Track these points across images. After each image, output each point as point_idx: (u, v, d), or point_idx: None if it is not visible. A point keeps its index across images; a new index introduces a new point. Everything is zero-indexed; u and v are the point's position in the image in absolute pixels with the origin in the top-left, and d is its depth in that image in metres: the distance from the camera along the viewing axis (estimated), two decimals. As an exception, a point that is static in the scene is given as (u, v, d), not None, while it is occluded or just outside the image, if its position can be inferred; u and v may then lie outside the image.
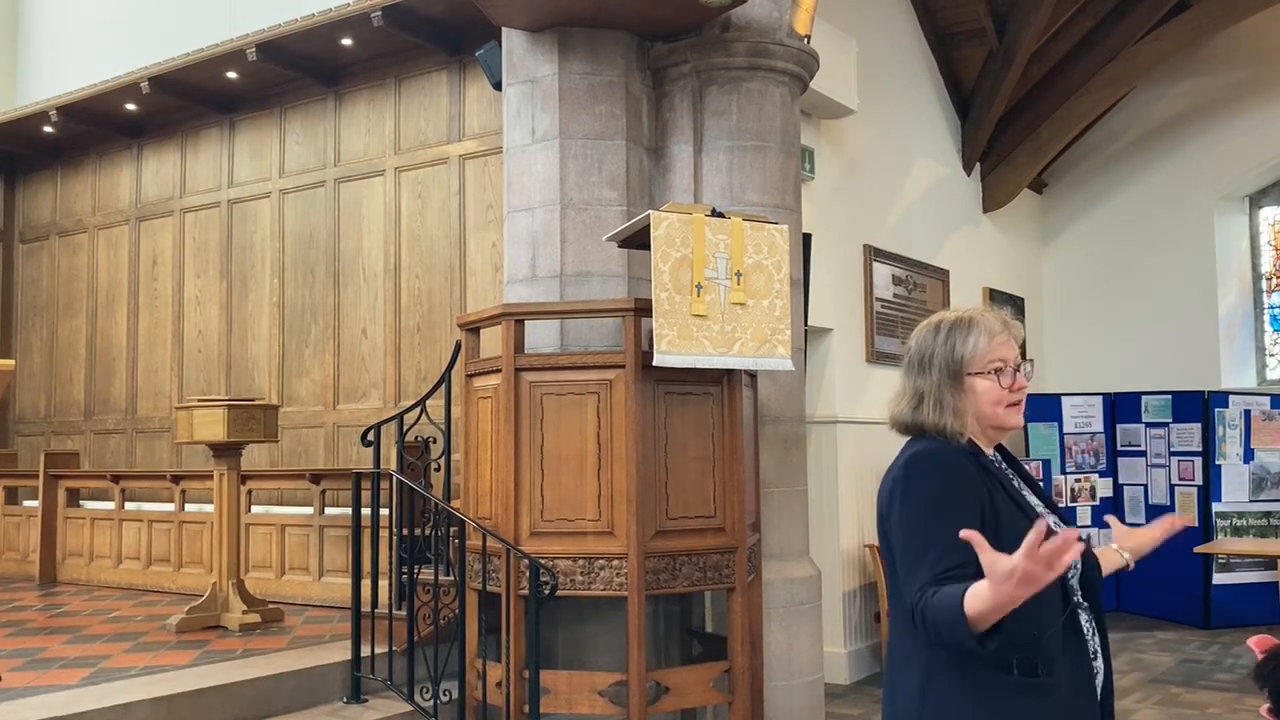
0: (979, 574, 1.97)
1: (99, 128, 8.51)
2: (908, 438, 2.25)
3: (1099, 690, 2.16)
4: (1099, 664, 2.17)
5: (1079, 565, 2.17)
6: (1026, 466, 8.52)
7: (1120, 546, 2.41)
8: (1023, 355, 2.26)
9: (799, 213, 5.43)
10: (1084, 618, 2.15)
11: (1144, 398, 9.37)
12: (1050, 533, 2.10)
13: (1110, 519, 2.53)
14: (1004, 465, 2.26)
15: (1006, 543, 2.03)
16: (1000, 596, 1.80)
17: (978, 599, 1.85)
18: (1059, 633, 2.07)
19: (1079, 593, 2.16)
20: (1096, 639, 2.17)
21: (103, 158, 9.01)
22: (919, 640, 2.07)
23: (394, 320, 7.19)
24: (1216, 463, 8.84)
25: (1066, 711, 2.08)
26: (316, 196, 7.67)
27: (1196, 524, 8.83)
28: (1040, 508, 2.20)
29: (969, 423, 2.18)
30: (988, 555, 1.80)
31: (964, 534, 1.82)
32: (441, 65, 7.07)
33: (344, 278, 7.47)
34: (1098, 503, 9.48)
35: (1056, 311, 10.93)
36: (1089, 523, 9.40)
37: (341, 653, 4.97)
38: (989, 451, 2.23)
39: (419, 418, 5.01)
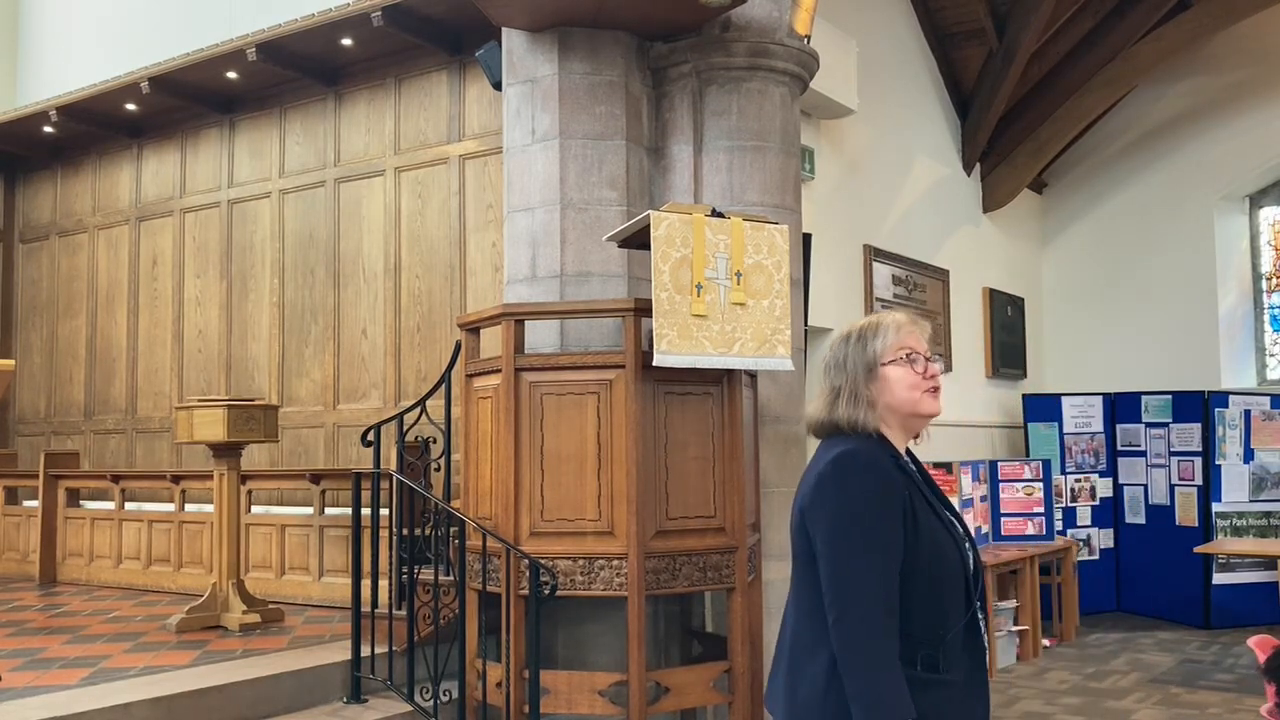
0: (907, 571, 2.10)
1: (99, 128, 8.51)
2: (822, 440, 2.32)
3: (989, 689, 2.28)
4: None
5: (977, 567, 2.26)
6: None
7: None
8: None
9: (799, 213, 5.43)
10: (980, 619, 2.24)
11: (1144, 398, 9.37)
12: (961, 552, 2.23)
13: None
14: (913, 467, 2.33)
15: (923, 543, 2.15)
16: None
17: None
18: (959, 632, 2.17)
19: (979, 595, 2.24)
20: (985, 640, 2.27)
21: (103, 158, 9.01)
22: (822, 642, 2.14)
23: (394, 320, 7.19)
24: (1216, 463, 8.84)
25: (961, 707, 2.17)
26: (316, 196, 7.67)
27: (1197, 524, 8.83)
28: (945, 511, 2.27)
29: (885, 416, 2.25)
30: None
31: None
32: (441, 65, 7.07)
33: (344, 278, 7.47)
34: (1098, 503, 9.48)
35: (1056, 311, 10.93)
36: (1089, 522, 9.42)
37: (341, 653, 4.97)
38: (902, 451, 2.30)
39: (419, 418, 5.01)
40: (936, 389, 2.28)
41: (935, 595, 2.15)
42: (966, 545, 2.25)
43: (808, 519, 2.19)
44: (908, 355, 2.25)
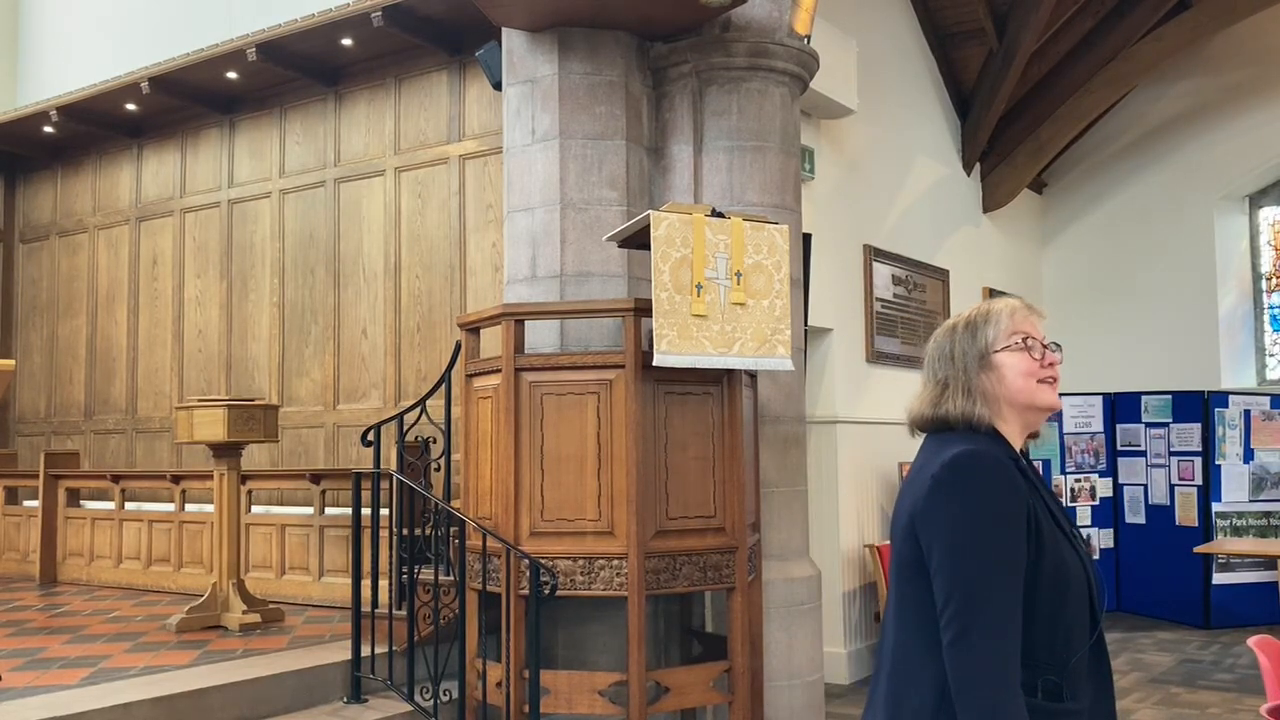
0: (1029, 588, 1.90)
1: (99, 128, 8.51)
2: (927, 437, 2.12)
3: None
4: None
5: (1100, 584, 2.05)
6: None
7: None
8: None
9: (799, 213, 5.43)
10: (1105, 642, 2.03)
11: (1144, 398, 9.37)
12: (1085, 568, 2.01)
13: None
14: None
15: (1046, 555, 1.93)
16: None
17: None
18: (1084, 656, 1.97)
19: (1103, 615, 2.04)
20: (1110, 665, 2.07)
21: (103, 158, 9.01)
22: (931, 656, 1.95)
23: (394, 320, 7.19)
24: (1216, 463, 8.84)
25: None
26: (316, 196, 7.67)
27: (1197, 524, 8.84)
28: (1064, 521, 2.06)
29: (1000, 411, 2.05)
30: None
31: None
32: (441, 65, 7.07)
33: (344, 278, 7.47)
34: (1097, 503, 9.48)
35: (1056, 311, 10.89)
36: (1089, 523, 9.42)
37: (341, 653, 4.97)
38: (1018, 451, 2.09)
39: (419, 418, 5.01)
40: (1054, 379, 2.08)
41: (1059, 615, 1.93)
42: (1088, 560, 2.04)
43: (919, 526, 1.97)
44: (1024, 340, 2.06)
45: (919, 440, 2.17)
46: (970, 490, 1.93)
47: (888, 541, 2.04)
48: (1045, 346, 2.09)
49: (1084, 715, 1.96)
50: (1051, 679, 1.92)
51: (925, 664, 1.96)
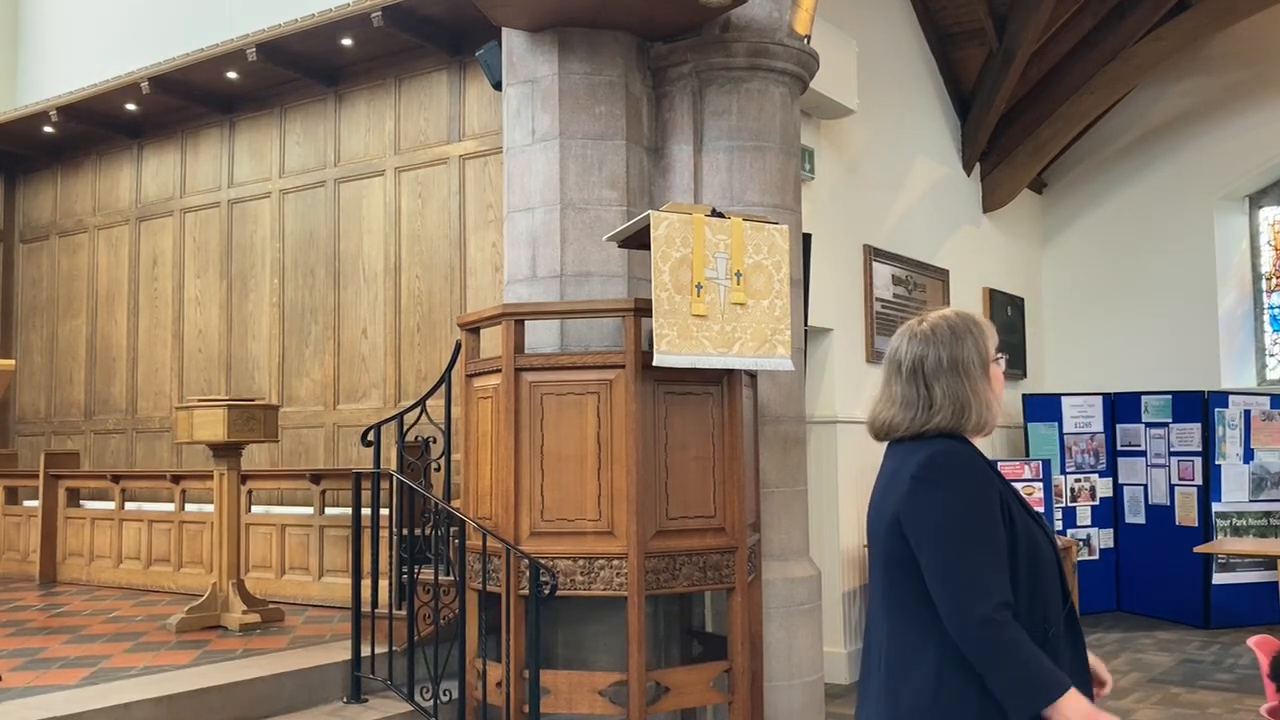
0: (1010, 570, 2.07)
1: (99, 128, 8.51)
2: (893, 444, 2.31)
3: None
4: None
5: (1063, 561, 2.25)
6: (1026, 467, 8.35)
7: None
8: None
9: (799, 213, 5.43)
10: (1076, 612, 2.23)
11: (1144, 398, 9.37)
12: (1053, 547, 2.20)
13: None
14: None
15: (1021, 540, 2.12)
16: None
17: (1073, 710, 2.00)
18: (1061, 628, 2.15)
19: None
20: (1082, 631, 2.26)
21: (103, 158, 9.01)
22: (928, 642, 2.10)
23: (394, 320, 7.19)
24: (1216, 463, 8.84)
25: None
26: (316, 196, 7.67)
27: (1197, 524, 8.84)
28: (1029, 508, 2.25)
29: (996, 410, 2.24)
30: None
31: None
32: (441, 65, 7.07)
33: (344, 278, 7.47)
34: (1097, 503, 9.48)
35: (1056, 311, 10.93)
36: (1089, 522, 9.42)
37: (341, 653, 4.97)
38: None
39: (419, 418, 5.01)
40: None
41: (1036, 591, 2.13)
42: (1054, 539, 2.25)
43: (906, 523, 2.15)
44: (1000, 356, 2.26)
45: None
46: (950, 484, 2.12)
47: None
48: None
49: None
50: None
51: (922, 648, 2.13)
